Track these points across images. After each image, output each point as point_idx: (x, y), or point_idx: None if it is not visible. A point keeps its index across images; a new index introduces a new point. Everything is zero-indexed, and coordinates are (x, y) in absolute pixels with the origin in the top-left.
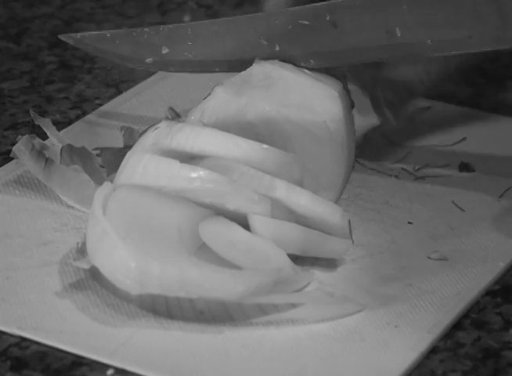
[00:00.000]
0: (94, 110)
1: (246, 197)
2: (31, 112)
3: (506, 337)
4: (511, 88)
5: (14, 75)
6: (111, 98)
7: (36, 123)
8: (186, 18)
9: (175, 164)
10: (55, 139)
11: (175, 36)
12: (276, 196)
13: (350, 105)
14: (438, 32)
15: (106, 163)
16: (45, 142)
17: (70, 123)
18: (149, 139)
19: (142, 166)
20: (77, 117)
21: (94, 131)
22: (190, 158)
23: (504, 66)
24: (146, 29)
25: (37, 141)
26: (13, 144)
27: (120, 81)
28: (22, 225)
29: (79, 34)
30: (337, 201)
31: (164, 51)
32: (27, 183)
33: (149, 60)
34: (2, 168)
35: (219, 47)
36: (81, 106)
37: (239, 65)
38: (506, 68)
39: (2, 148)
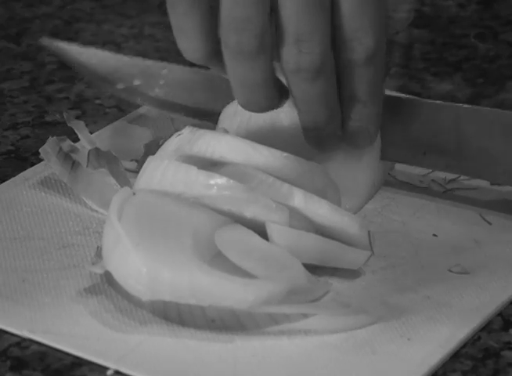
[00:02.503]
0: (94, 109)
1: (263, 205)
2: (64, 114)
3: (506, 337)
4: (511, 88)
5: (14, 75)
6: (111, 98)
7: (69, 125)
8: None
9: (193, 171)
10: (87, 142)
11: (150, 71)
12: (294, 205)
13: None
14: None
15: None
16: (76, 144)
17: None
18: (171, 145)
19: (161, 172)
20: (77, 117)
21: (127, 134)
22: (211, 165)
23: (504, 66)
24: (126, 57)
25: (68, 143)
26: (13, 144)
27: None
28: (44, 227)
29: (61, 43)
30: (359, 210)
31: (136, 82)
32: (53, 185)
33: (120, 86)
34: (31, 169)
35: (190, 94)
36: (81, 106)
37: (205, 115)
38: (506, 68)
39: (2, 148)
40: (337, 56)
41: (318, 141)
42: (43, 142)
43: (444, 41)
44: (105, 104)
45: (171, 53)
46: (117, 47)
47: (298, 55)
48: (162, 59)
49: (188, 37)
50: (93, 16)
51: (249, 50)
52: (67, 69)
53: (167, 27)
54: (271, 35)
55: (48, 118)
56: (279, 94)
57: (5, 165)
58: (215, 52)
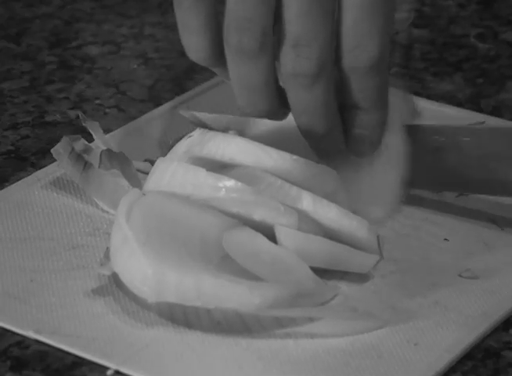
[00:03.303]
0: (93, 110)
1: (272, 208)
2: (80, 114)
3: (506, 337)
4: (511, 88)
5: (14, 75)
6: (111, 98)
7: (83, 125)
8: None
9: (202, 173)
10: (101, 142)
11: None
12: (303, 208)
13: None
14: None
15: None
16: (91, 144)
17: (70, 123)
18: (182, 146)
19: (170, 173)
20: (78, 117)
21: (141, 134)
22: (221, 167)
23: (504, 66)
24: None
25: (82, 142)
26: (13, 144)
27: (120, 81)
28: (55, 228)
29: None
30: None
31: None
32: (65, 186)
33: None
34: (43, 169)
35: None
36: (81, 106)
37: None
38: (506, 68)
39: (2, 148)
40: (339, 63)
41: (320, 151)
42: (43, 142)
43: (444, 41)
44: (105, 104)
45: (171, 53)
46: (117, 47)
47: (296, 59)
48: (161, 58)
49: (192, 34)
50: (93, 16)
51: (249, 50)
52: (67, 69)
53: (167, 27)
54: (273, 37)
55: (48, 118)
56: (279, 100)
57: (5, 165)
58: (219, 53)
